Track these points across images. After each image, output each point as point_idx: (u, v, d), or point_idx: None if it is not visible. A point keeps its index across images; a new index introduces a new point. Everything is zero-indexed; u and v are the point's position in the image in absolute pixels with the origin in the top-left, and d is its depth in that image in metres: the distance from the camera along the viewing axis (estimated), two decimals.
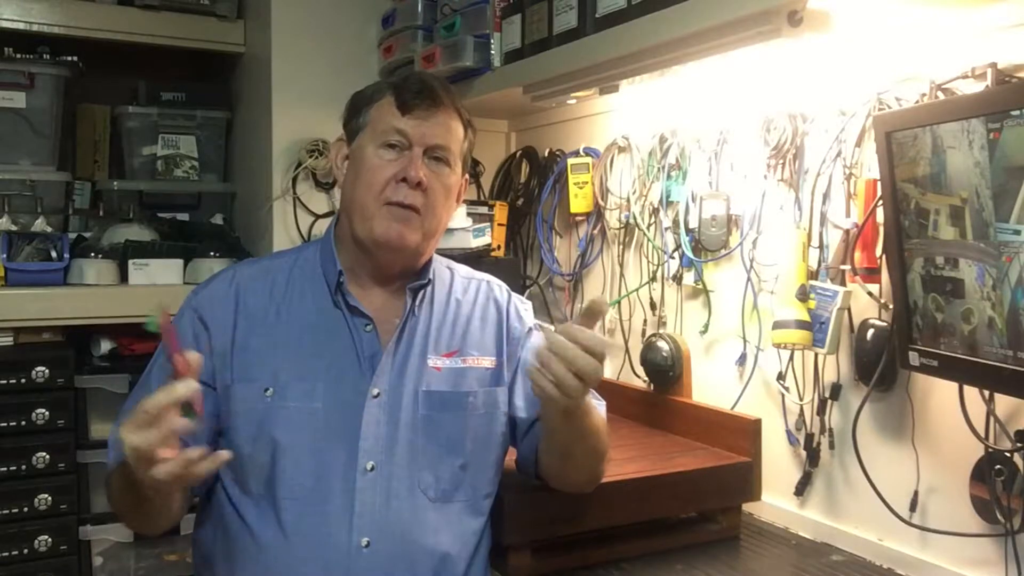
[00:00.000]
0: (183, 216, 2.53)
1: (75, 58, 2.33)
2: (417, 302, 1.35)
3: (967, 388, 1.26)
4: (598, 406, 1.38)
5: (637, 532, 1.49)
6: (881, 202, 1.33)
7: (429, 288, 1.37)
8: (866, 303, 1.47)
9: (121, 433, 1.02)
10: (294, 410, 1.24)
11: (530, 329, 1.44)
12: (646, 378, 1.89)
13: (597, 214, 2.11)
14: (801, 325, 1.48)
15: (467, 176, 1.41)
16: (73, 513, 2.08)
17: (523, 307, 1.47)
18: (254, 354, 1.27)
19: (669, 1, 1.36)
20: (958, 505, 1.33)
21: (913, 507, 1.41)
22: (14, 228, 2.19)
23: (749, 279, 1.70)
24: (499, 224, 2.21)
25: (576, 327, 1.08)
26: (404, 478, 1.26)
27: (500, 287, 1.46)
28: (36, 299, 2.06)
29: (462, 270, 1.47)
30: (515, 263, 2.24)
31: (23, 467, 2.03)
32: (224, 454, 1.08)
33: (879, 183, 1.31)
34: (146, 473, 1.02)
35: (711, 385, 1.82)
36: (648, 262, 1.97)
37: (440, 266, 1.42)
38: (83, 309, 2.11)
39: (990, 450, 1.26)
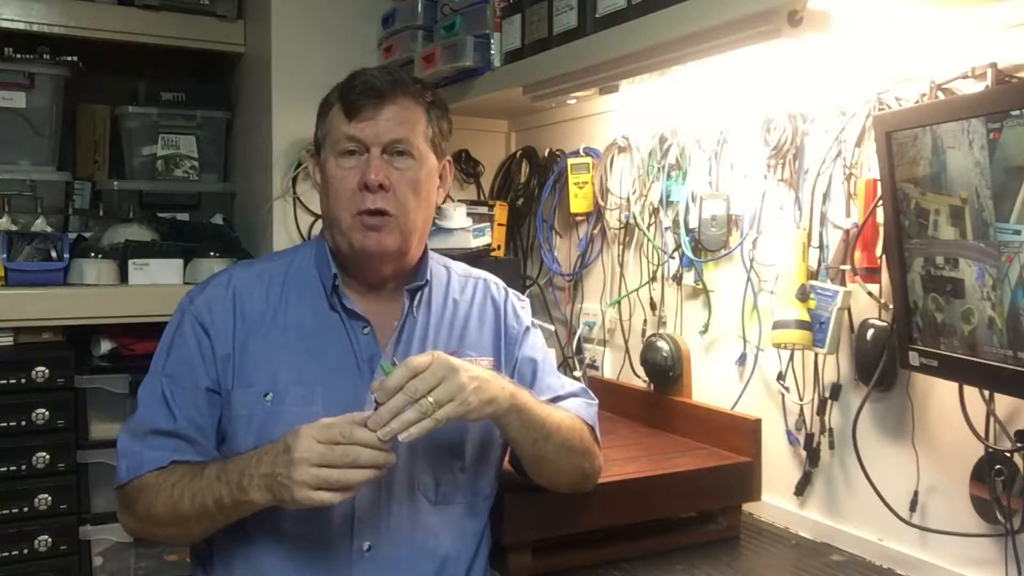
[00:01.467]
0: (183, 216, 2.53)
1: (75, 58, 2.33)
2: (415, 303, 1.34)
3: (967, 388, 1.26)
4: (586, 407, 1.39)
5: (637, 532, 1.49)
6: (881, 202, 1.33)
7: (426, 289, 1.36)
8: (866, 303, 1.47)
9: (314, 465, 1.07)
10: (293, 414, 1.23)
11: (527, 328, 1.43)
12: (646, 378, 1.89)
13: (597, 214, 2.11)
14: (801, 325, 1.48)
15: (448, 159, 1.37)
16: (73, 513, 2.09)
17: (520, 305, 1.46)
18: (253, 359, 1.26)
19: (669, 1, 1.36)
20: (958, 505, 1.33)
21: (913, 507, 1.41)
22: (14, 228, 2.19)
23: (749, 279, 1.70)
24: (499, 224, 2.21)
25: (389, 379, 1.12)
26: (404, 481, 1.26)
27: (497, 285, 1.46)
28: (36, 299, 2.07)
29: (459, 268, 1.46)
30: (515, 263, 2.24)
31: (23, 467, 2.03)
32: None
33: (879, 183, 1.31)
34: (308, 498, 1.07)
35: (711, 385, 1.81)
36: (648, 262, 1.97)
37: (437, 265, 1.41)
38: (83, 309, 2.11)
39: (990, 450, 1.26)
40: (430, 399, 1.10)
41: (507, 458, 1.38)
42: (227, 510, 1.15)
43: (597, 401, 1.43)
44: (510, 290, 1.47)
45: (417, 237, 1.31)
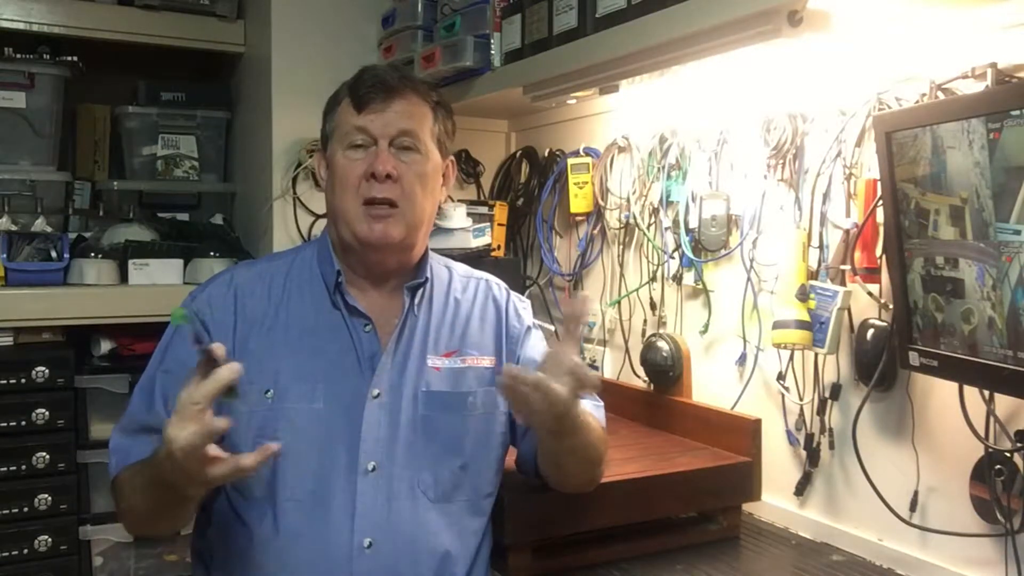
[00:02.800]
0: (183, 216, 2.53)
1: (75, 58, 2.33)
2: (416, 301, 1.34)
3: (967, 388, 1.26)
4: (595, 409, 1.39)
5: (637, 532, 1.50)
6: (881, 202, 1.33)
7: (428, 287, 1.37)
8: (866, 303, 1.47)
9: (169, 432, 1.01)
10: (295, 412, 1.24)
11: (528, 328, 1.43)
12: (646, 378, 1.89)
13: (597, 214, 2.11)
14: (801, 325, 1.48)
15: (451, 159, 1.38)
16: (73, 513, 2.08)
17: (522, 305, 1.46)
18: (254, 356, 1.26)
19: (669, 1, 1.36)
20: (958, 505, 1.33)
21: (913, 507, 1.41)
22: (14, 228, 2.19)
23: (749, 279, 1.70)
24: (499, 224, 2.21)
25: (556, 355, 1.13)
26: (404, 479, 1.26)
27: (499, 285, 1.46)
28: (36, 299, 2.06)
29: (460, 268, 1.46)
30: (515, 263, 2.24)
31: (23, 467, 2.03)
32: (272, 446, 1.06)
33: (879, 183, 1.31)
34: (196, 473, 1.02)
35: (711, 385, 1.81)
36: (648, 262, 1.97)
37: (438, 265, 1.42)
38: (83, 309, 2.11)
39: (990, 450, 1.26)
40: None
41: (510, 458, 1.38)
42: (166, 497, 1.13)
43: (603, 403, 1.44)
44: (511, 291, 1.47)
45: (422, 231, 1.33)
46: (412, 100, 1.29)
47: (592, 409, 1.38)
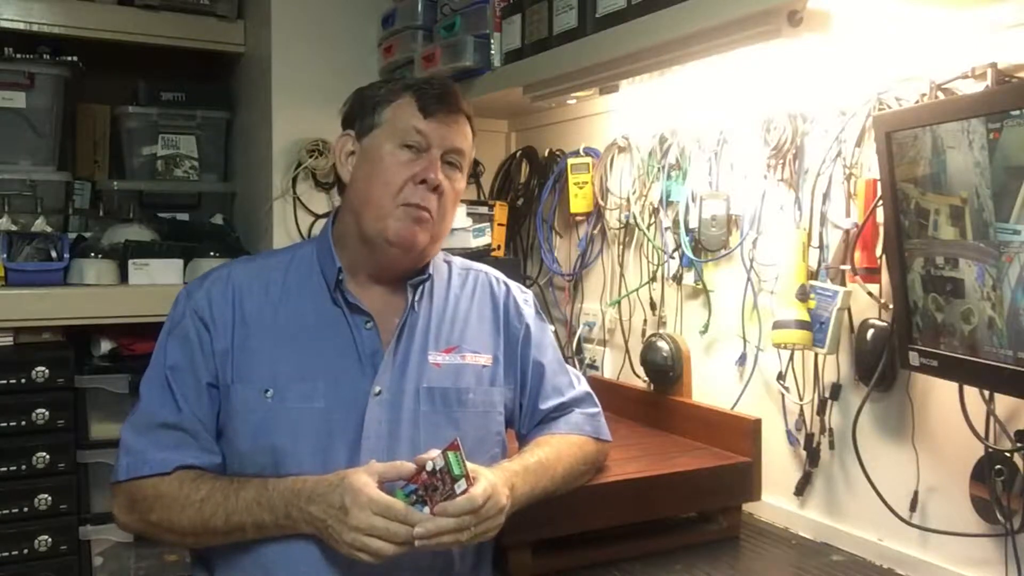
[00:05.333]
0: (183, 216, 2.53)
1: (75, 58, 2.33)
2: (417, 298, 1.34)
3: (967, 388, 1.26)
4: (588, 420, 1.43)
5: (637, 532, 1.49)
6: (881, 202, 1.33)
7: (428, 283, 1.37)
8: (866, 303, 1.47)
9: (359, 516, 1.10)
10: (295, 411, 1.23)
11: (529, 325, 1.43)
12: (646, 378, 1.89)
13: (597, 214, 2.11)
14: (801, 325, 1.48)
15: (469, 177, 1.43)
16: (73, 513, 2.09)
17: (523, 298, 1.46)
18: (253, 355, 1.26)
19: (669, 1, 1.36)
20: (958, 505, 1.33)
21: (913, 507, 1.41)
22: (14, 228, 2.19)
23: (749, 279, 1.70)
24: (499, 224, 2.21)
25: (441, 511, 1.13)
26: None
27: (498, 280, 1.46)
28: (36, 299, 2.07)
29: (458, 261, 1.47)
30: (515, 263, 2.24)
31: (23, 467, 2.03)
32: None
33: (879, 183, 1.31)
34: (350, 554, 1.13)
35: (711, 385, 1.82)
36: (648, 262, 1.97)
37: (437, 259, 1.42)
38: (83, 309, 2.12)
39: (990, 450, 1.26)
40: (473, 531, 1.14)
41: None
42: (267, 530, 1.19)
43: (599, 408, 1.46)
44: (511, 283, 1.47)
45: (439, 244, 1.36)
46: (464, 122, 1.33)
47: (583, 423, 1.42)
